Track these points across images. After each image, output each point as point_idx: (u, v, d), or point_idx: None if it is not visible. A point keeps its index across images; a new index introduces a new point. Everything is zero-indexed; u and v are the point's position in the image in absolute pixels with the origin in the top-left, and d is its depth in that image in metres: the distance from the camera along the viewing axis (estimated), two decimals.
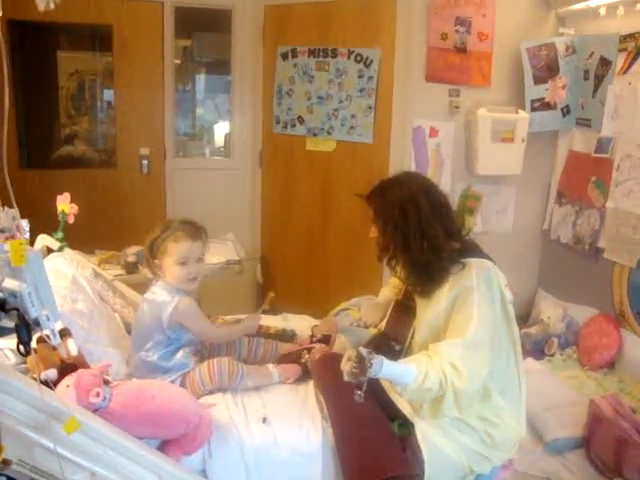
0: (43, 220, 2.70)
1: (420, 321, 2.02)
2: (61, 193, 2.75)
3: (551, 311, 3.62)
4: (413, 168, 3.57)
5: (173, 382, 2.13)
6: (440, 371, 1.77)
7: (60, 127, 4.44)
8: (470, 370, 1.79)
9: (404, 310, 2.14)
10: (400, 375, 1.77)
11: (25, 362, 1.83)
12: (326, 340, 2.43)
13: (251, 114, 4.36)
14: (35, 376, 1.65)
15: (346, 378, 1.70)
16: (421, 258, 1.91)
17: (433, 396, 1.81)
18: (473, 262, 1.91)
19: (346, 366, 1.70)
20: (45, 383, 1.64)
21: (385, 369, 1.72)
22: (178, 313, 2.11)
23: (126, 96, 4.15)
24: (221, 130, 4.86)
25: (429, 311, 1.96)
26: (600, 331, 3.25)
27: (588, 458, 2.56)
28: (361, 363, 1.68)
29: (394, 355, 1.99)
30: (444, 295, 1.90)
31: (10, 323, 1.21)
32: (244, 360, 2.35)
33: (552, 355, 3.40)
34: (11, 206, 1.26)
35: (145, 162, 4.20)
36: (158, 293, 2.18)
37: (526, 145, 3.58)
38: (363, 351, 1.70)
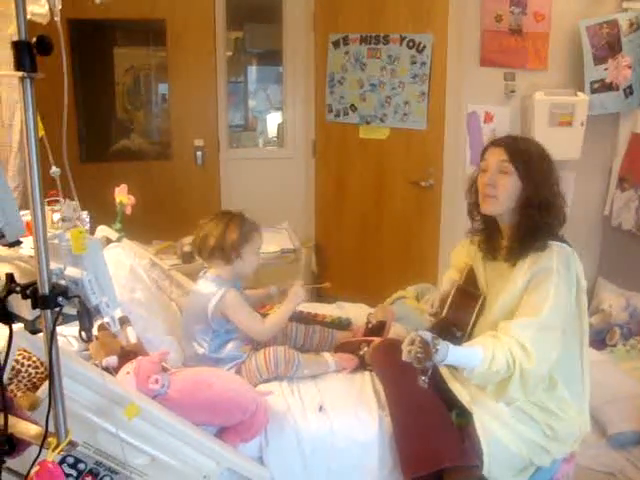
0: (102, 212, 2.78)
1: (492, 306, 1.96)
2: (119, 185, 2.82)
3: (613, 300, 3.50)
4: (468, 154, 3.50)
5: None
6: (507, 352, 1.73)
7: (117, 121, 4.54)
8: (540, 352, 1.75)
9: (466, 296, 2.10)
10: (467, 359, 1.75)
11: (87, 349, 1.89)
12: (381, 327, 2.41)
13: (303, 103, 4.36)
14: (97, 362, 1.70)
15: (405, 358, 1.68)
16: (541, 221, 1.90)
17: (501, 378, 1.78)
18: (555, 245, 1.88)
19: (411, 350, 1.66)
20: (106, 369, 1.69)
21: (451, 354, 1.70)
22: (224, 305, 2.12)
23: (180, 89, 4.21)
24: (274, 120, 4.87)
25: (504, 292, 1.90)
26: None
27: None
28: (426, 348, 1.65)
29: (455, 341, 1.94)
30: (521, 274, 1.87)
31: (72, 311, 1.24)
32: (300, 348, 2.36)
33: (614, 345, 3.29)
34: (72, 199, 1.29)
35: (199, 153, 4.24)
36: (205, 285, 2.20)
37: (586, 129, 3.45)
38: (428, 336, 1.67)
